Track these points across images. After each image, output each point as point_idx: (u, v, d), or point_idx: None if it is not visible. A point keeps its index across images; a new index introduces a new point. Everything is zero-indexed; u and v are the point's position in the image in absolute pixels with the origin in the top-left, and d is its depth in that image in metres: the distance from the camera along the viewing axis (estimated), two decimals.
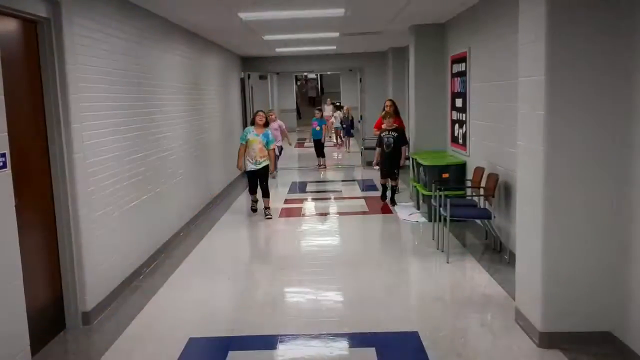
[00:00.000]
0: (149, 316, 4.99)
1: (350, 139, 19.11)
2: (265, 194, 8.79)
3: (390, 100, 9.93)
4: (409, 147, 9.35)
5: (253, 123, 8.76)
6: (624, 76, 3.77)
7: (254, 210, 9.01)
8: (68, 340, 4.52)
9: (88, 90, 4.91)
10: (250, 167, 8.66)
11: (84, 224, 4.75)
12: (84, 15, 4.90)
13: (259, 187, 8.86)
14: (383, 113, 9.50)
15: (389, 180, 9.38)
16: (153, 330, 4.70)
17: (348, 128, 18.79)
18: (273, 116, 12.30)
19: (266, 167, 8.71)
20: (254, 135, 8.59)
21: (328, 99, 25.55)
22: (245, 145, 8.62)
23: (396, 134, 9.01)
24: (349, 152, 18.15)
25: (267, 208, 8.82)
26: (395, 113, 9.48)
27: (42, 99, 4.45)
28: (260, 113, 8.95)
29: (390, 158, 9.08)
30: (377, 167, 9.53)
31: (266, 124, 8.86)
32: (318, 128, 14.62)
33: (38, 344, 4.18)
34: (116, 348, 4.34)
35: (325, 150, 14.95)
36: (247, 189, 9.19)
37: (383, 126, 9.24)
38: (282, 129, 12.58)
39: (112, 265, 5.32)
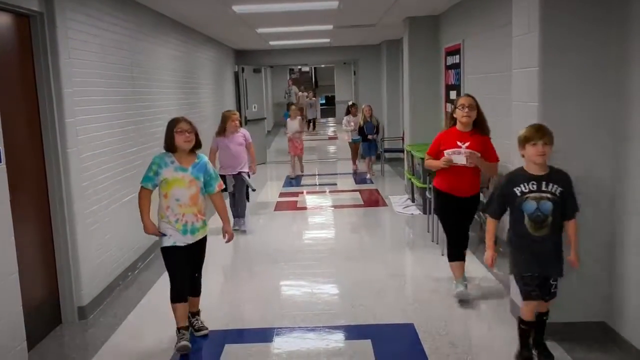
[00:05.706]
0: (145, 310, 4.99)
1: (373, 159, 11.60)
2: (196, 291, 4.43)
3: (471, 96, 4.76)
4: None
5: (169, 148, 4.15)
6: (617, 67, 3.78)
7: (184, 353, 4.09)
8: (64, 335, 4.52)
9: (82, 85, 4.89)
10: (175, 238, 4.05)
11: (79, 218, 4.75)
12: (77, 9, 4.87)
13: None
14: (450, 122, 4.81)
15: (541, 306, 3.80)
16: (149, 325, 4.70)
17: (372, 142, 11.34)
18: (236, 121, 7.28)
19: (204, 241, 4.29)
20: (178, 171, 4.09)
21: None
22: (150, 192, 4.14)
23: (561, 190, 3.57)
24: (373, 175, 11.46)
25: (195, 314, 4.49)
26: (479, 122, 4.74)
27: (36, 94, 4.43)
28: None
29: (551, 252, 3.65)
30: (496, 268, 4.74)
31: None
32: None
33: (34, 339, 4.18)
34: (112, 342, 4.34)
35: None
36: (171, 289, 4.17)
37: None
38: (247, 142, 7.41)
39: (107, 259, 5.32)
